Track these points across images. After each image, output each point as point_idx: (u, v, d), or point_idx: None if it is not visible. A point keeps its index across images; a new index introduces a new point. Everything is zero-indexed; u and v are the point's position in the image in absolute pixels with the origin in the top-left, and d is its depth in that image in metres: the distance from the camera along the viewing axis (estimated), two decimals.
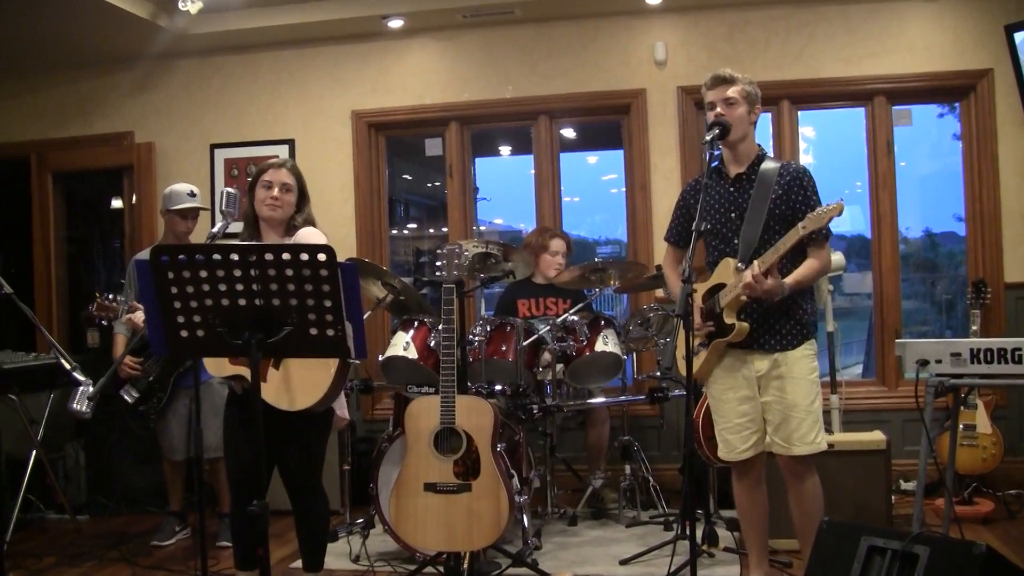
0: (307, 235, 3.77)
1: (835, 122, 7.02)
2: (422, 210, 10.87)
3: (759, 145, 3.86)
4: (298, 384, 3.55)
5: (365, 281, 4.97)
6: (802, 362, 3.72)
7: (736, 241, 3.75)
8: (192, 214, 5.28)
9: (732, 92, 3.72)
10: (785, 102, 6.19)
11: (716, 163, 3.88)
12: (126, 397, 5.10)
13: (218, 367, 3.61)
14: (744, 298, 3.63)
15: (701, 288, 3.82)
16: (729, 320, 3.68)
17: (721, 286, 3.73)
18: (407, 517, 3.91)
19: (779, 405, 3.71)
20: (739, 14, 6.18)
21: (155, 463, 5.49)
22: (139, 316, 4.33)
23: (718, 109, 3.73)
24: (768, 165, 3.76)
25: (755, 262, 3.56)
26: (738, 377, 3.80)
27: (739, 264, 3.64)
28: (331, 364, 3.53)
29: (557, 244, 5.76)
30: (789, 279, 3.61)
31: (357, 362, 5.12)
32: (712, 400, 3.93)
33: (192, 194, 5.26)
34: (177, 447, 5.25)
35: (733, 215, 3.78)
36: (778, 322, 3.72)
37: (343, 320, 2.80)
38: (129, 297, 4.82)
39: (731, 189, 3.81)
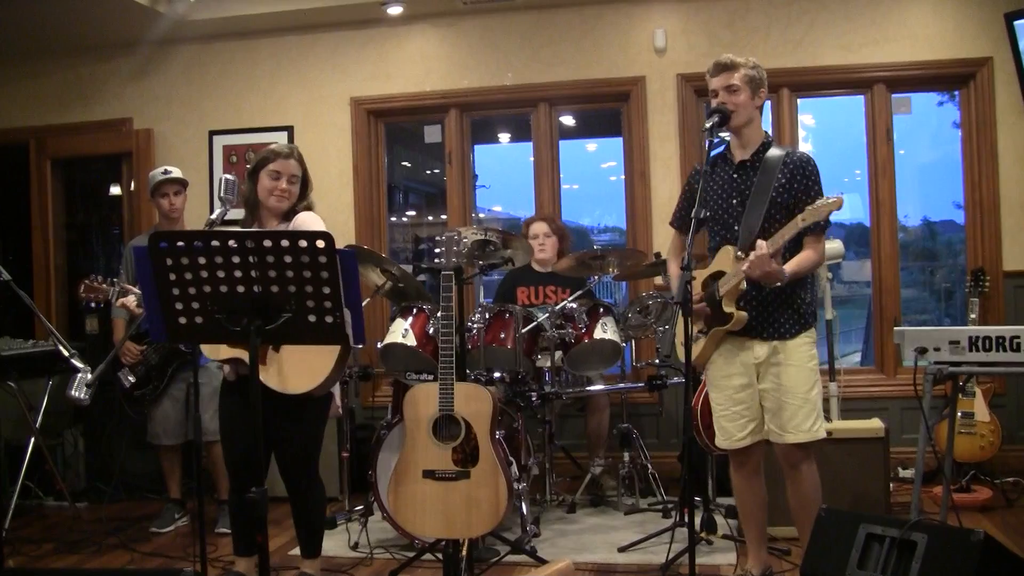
0: (305, 220, 3.79)
1: (834, 110, 7.01)
2: (421, 197, 10.84)
3: (766, 132, 3.83)
4: (297, 368, 3.57)
5: (364, 268, 4.97)
6: (800, 350, 3.71)
7: (737, 228, 3.73)
8: (172, 189, 5.25)
9: (735, 79, 3.69)
10: (785, 90, 6.17)
11: (723, 149, 3.87)
12: (123, 380, 5.11)
13: (214, 350, 3.64)
14: (743, 286, 3.63)
15: (701, 275, 3.81)
16: (728, 308, 3.67)
17: (721, 274, 3.71)
18: (406, 504, 3.91)
19: (775, 392, 3.70)
20: (740, 1, 6.16)
21: (154, 448, 5.49)
22: (131, 300, 4.29)
23: (720, 97, 3.71)
24: (773, 152, 3.73)
25: (761, 242, 3.53)
26: (736, 364, 3.79)
27: (739, 252, 3.63)
28: (333, 350, 3.54)
29: (535, 228, 5.81)
30: (788, 267, 3.60)
31: (359, 347, 5.15)
32: (710, 386, 3.93)
33: (165, 172, 5.26)
34: (170, 431, 5.26)
35: (735, 201, 3.76)
36: (776, 311, 3.71)
37: (342, 307, 2.80)
38: (123, 282, 4.81)
39: (735, 176, 3.79)
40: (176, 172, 5.29)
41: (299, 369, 3.58)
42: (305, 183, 3.88)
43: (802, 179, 3.66)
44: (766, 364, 3.72)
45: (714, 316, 3.74)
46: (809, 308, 3.76)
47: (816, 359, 3.77)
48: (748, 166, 3.76)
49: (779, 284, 3.59)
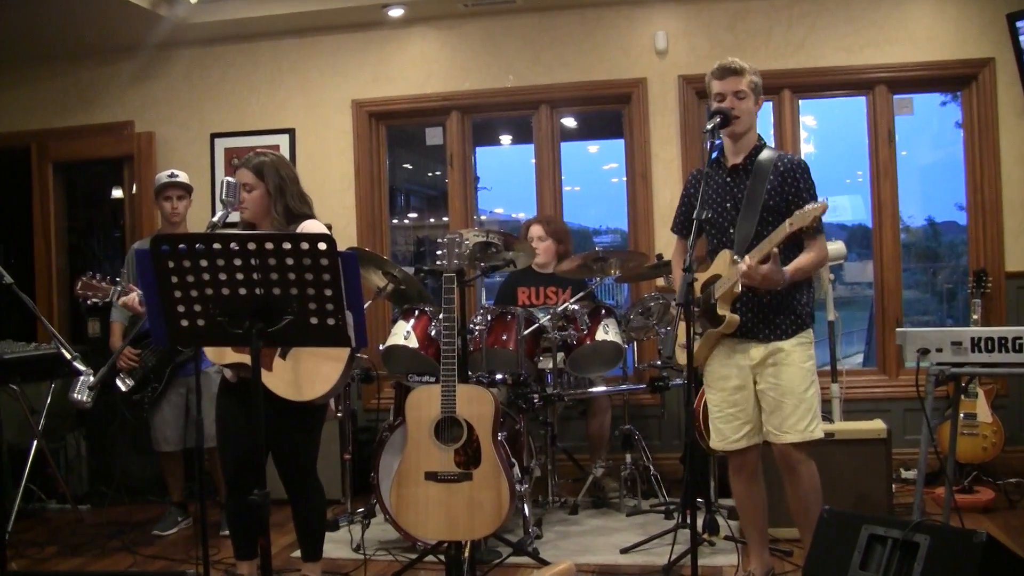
0: (307, 228, 3.77)
1: (836, 111, 7.01)
2: (423, 199, 10.85)
3: (759, 135, 3.86)
4: (307, 375, 3.57)
5: (366, 270, 4.98)
6: (797, 351, 3.72)
7: (732, 231, 3.76)
8: (175, 194, 5.25)
9: (743, 85, 3.71)
10: (786, 91, 6.17)
11: (716, 153, 3.88)
12: (120, 386, 5.10)
13: (219, 354, 3.63)
14: (738, 290, 3.63)
15: (700, 278, 3.82)
16: (722, 312, 3.69)
17: (718, 277, 3.73)
18: (408, 506, 3.91)
19: (772, 392, 3.71)
20: (741, 3, 6.16)
21: (156, 453, 5.49)
22: (133, 298, 4.29)
23: (727, 101, 3.72)
24: (765, 155, 3.76)
25: (746, 256, 3.57)
26: (731, 366, 3.80)
27: (735, 256, 3.64)
28: (341, 357, 3.55)
29: (532, 231, 5.81)
30: (789, 267, 3.62)
31: (364, 357, 5.15)
32: (706, 388, 3.95)
33: (171, 175, 5.26)
34: (171, 437, 5.24)
35: (729, 205, 3.79)
36: (772, 312, 3.73)
37: (343, 309, 2.79)
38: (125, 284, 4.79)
39: (728, 179, 3.81)
40: (182, 177, 5.29)
41: (308, 377, 3.58)
42: (276, 189, 3.83)
43: (792, 182, 3.69)
44: (762, 365, 3.73)
45: (709, 319, 3.75)
46: (806, 309, 3.78)
47: (813, 360, 3.79)
48: (741, 170, 3.79)
49: (779, 287, 3.60)
